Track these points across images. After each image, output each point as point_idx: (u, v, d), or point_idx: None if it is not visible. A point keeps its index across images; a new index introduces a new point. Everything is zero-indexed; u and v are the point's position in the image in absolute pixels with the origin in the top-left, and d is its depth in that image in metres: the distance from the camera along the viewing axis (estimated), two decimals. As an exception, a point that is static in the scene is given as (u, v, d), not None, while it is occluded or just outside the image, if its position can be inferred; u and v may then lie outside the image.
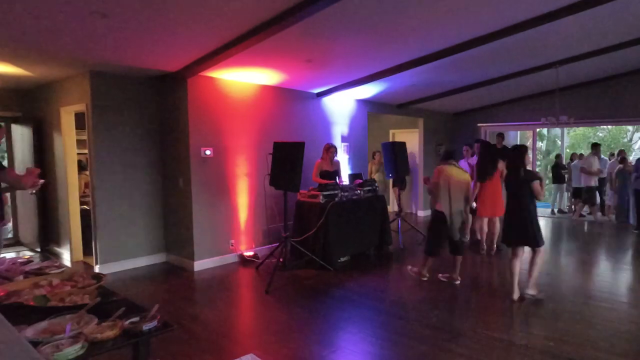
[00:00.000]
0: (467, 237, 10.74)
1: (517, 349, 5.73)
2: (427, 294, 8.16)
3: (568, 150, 22.17)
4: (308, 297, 7.95)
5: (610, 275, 9.32)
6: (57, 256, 10.49)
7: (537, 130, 19.25)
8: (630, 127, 30.07)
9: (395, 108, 15.47)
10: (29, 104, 11.20)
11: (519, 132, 19.89)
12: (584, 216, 16.35)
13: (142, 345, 3.41)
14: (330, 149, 10.44)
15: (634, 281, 8.70)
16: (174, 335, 5.51)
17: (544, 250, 7.73)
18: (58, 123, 10.14)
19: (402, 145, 12.36)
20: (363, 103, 13.85)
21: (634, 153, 29.69)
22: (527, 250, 7.59)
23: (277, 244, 9.59)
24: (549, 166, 20.15)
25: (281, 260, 9.09)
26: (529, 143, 18.67)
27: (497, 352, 5.65)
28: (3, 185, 5.54)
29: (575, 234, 13.90)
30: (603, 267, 10.00)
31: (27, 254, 10.69)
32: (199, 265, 9.50)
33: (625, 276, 9.06)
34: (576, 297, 7.76)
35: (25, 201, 11.24)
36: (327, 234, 9.47)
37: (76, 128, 10.20)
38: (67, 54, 7.80)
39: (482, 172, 10.28)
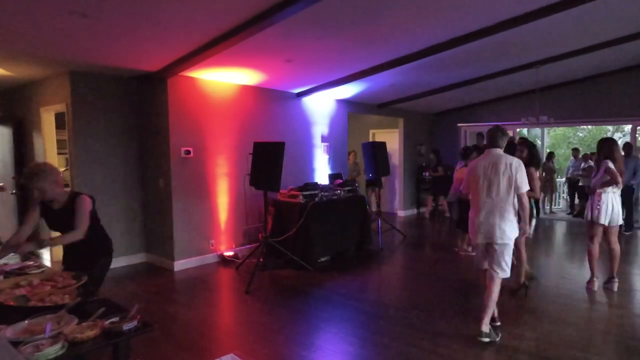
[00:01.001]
0: None
1: (497, 349, 5.76)
2: (408, 294, 8.22)
3: (548, 150, 22.22)
4: (288, 297, 7.97)
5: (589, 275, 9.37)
6: (37, 256, 10.46)
7: (518, 130, 19.33)
8: (610, 127, 30.22)
9: (376, 108, 15.54)
10: (9, 104, 11.14)
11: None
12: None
13: (122, 345, 3.43)
14: None
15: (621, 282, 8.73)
16: (154, 335, 5.51)
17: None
18: (38, 123, 10.11)
19: (382, 145, 12.40)
20: (343, 103, 13.90)
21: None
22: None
23: (257, 243, 9.62)
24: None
25: (261, 260, 9.11)
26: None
27: (477, 351, 5.69)
28: None
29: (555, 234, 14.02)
30: (581, 266, 10.06)
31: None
32: (179, 265, 9.52)
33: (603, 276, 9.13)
34: (558, 297, 7.81)
35: (5, 201, 11.17)
36: (307, 234, 9.52)
37: (56, 128, 10.17)
38: (46, 53, 7.81)
39: None
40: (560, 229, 14.68)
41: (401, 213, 17.17)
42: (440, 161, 16.35)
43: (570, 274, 9.39)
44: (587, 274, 8.34)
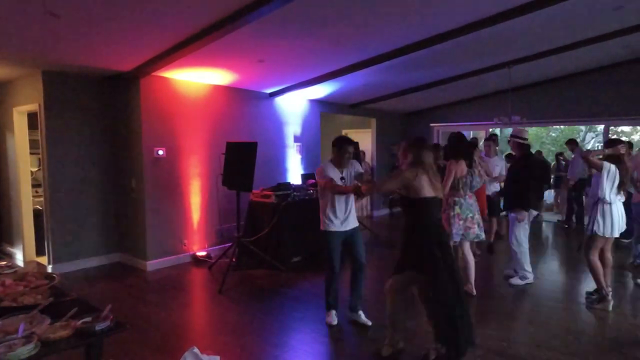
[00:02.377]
0: None
1: (474, 350, 5.77)
2: (380, 294, 8.26)
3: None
4: (261, 297, 8.02)
5: (564, 276, 9.51)
6: (10, 256, 10.43)
7: (490, 130, 19.44)
8: (582, 127, 30.43)
9: (348, 108, 15.61)
10: (-20, 104, 11.06)
11: (471, 132, 20.06)
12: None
13: (94, 345, 3.45)
14: None
15: (586, 281, 8.82)
16: (126, 335, 5.51)
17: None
18: (11, 123, 10.09)
19: (355, 145, 12.41)
20: (316, 103, 13.97)
21: (586, 153, 30.03)
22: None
23: (230, 244, 9.64)
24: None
25: (234, 260, 9.14)
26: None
27: None
28: None
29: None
30: (555, 267, 10.22)
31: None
32: (152, 265, 9.54)
33: (580, 276, 9.20)
34: (529, 297, 7.91)
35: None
36: (279, 233, 9.57)
37: (29, 128, 10.13)
38: (19, 54, 7.82)
39: None
40: (540, 231, 14.77)
41: (374, 213, 17.23)
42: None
43: (544, 274, 9.48)
44: (560, 274, 8.44)
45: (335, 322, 6.66)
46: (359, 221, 7.15)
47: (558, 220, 15.70)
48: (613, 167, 6.92)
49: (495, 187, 11.30)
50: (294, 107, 13.08)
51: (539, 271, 9.33)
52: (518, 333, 6.41)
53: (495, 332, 6.37)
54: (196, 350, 4.96)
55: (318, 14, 7.03)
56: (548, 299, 7.77)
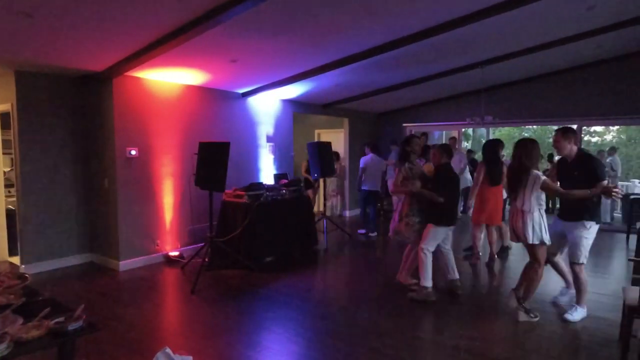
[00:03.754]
0: None
1: (444, 349, 5.88)
2: (353, 294, 8.33)
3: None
4: (233, 297, 8.01)
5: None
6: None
7: (463, 130, 19.56)
8: (555, 127, 30.57)
9: (321, 108, 15.67)
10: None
11: (444, 132, 20.16)
12: None
13: (67, 345, 3.48)
14: None
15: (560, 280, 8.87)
16: (99, 335, 5.52)
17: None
18: (-17, 123, 10.01)
19: (327, 145, 12.50)
20: (288, 103, 14.03)
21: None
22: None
23: (203, 244, 9.67)
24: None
25: (207, 260, 9.17)
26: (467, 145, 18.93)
27: (424, 352, 5.86)
28: None
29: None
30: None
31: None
32: (125, 265, 9.55)
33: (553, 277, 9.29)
34: (504, 297, 7.86)
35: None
36: (252, 233, 9.60)
37: (2, 128, 10.07)
38: (-10, 53, 7.79)
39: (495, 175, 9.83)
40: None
41: (347, 213, 17.30)
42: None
43: (515, 274, 9.57)
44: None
45: None
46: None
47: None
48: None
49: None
50: (266, 107, 13.12)
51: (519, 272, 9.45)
52: (491, 333, 6.46)
53: (468, 331, 6.42)
54: (168, 350, 4.99)
55: (290, 15, 7.09)
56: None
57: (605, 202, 14.62)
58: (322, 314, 7.16)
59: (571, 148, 6.59)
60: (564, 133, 6.60)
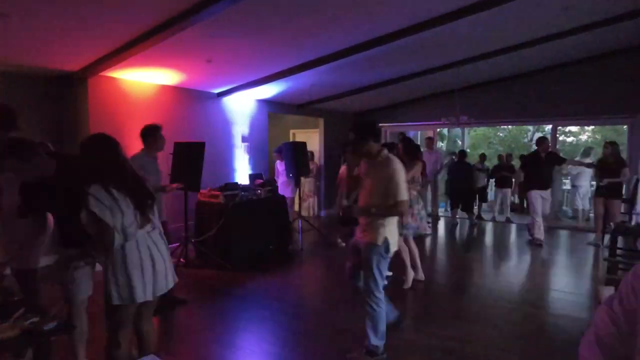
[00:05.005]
0: None
1: (420, 349, 5.93)
2: (328, 294, 8.40)
3: (469, 150, 22.53)
4: (209, 297, 8.09)
5: (515, 277, 9.65)
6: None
7: (438, 130, 19.69)
8: (530, 127, 30.67)
9: (296, 108, 15.76)
10: None
11: (419, 132, 20.26)
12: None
13: (42, 345, 3.54)
14: None
15: (537, 282, 9.04)
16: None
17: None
18: (-47, 124, 9.97)
19: (302, 145, 12.56)
20: (263, 103, 14.13)
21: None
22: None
23: (178, 244, 9.76)
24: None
25: (182, 260, 9.25)
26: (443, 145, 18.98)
27: (401, 352, 5.85)
28: None
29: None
30: (506, 268, 10.46)
31: None
32: (99, 265, 9.49)
33: (529, 277, 9.37)
34: (480, 297, 8.03)
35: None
36: (227, 234, 9.67)
37: (-25, 129, 10.07)
38: (-38, 53, 7.80)
39: None
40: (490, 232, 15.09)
41: (322, 213, 17.34)
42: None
43: (492, 274, 9.73)
44: (510, 276, 8.64)
45: None
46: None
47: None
48: None
49: None
50: (241, 107, 13.22)
51: (498, 274, 9.56)
52: (468, 333, 6.46)
53: (445, 331, 6.46)
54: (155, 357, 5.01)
55: (266, 15, 7.22)
56: (500, 299, 7.89)
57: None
58: (296, 314, 7.23)
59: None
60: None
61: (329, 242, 12.14)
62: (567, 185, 17.97)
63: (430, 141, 16.24)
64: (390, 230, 5.40)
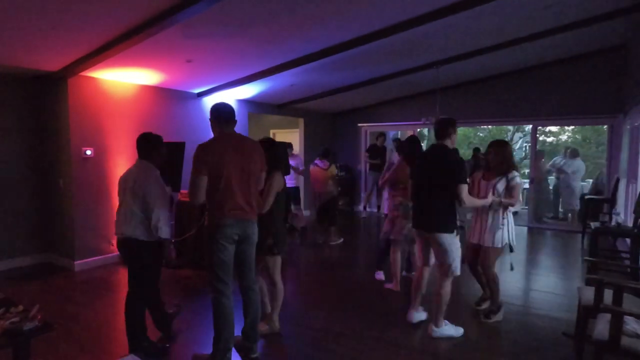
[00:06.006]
0: None
1: (399, 349, 5.96)
2: (306, 294, 8.46)
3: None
4: (188, 296, 8.13)
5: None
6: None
7: (418, 130, 19.78)
8: (510, 127, 30.80)
9: (276, 108, 15.85)
10: None
11: (399, 132, 20.33)
12: None
13: (22, 345, 3.60)
14: None
15: (516, 280, 9.11)
16: (55, 335, 5.64)
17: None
18: None
19: (284, 145, 12.58)
20: (244, 103, 14.23)
21: (514, 153, 30.46)
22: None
23: (158, 243, 9.75)
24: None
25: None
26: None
27: (380, 352, 5.88)
28: None
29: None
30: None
31: None
32: (80, 265, 9.68)
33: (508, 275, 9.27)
34: (458, 297, 7.90)
35: None
36: (207, 233, 9.65)
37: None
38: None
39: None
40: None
41: (306, 213, 17.26)
42: (335, 161, 16.39)
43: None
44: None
45: None
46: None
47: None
48: None
49: None
50: (222, 107, 13.10)
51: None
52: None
53: (424, 332, 6.50)
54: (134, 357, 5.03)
55: (246, 15, 7.28)
56: (477, 298, 7.81)
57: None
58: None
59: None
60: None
61: (310, 242, 12.24)
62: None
63: None
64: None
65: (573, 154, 16.13)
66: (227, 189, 5.18)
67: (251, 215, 5.46)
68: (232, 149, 5.29)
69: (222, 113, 5.44)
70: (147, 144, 5.92)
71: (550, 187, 17.40)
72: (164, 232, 5.55)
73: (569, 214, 16.10)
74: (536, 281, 9.27)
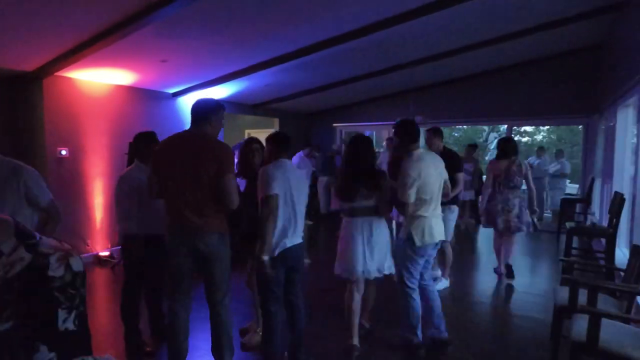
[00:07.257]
0: None
1: (377, 349, 6.03)
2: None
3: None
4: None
5: (471, 276, 9.86)
6: None
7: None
8: (485, 127, 31.02)
9: (250, 108, 15.93)
10: None
11: (374, 132, 20.40)
12: None
13: None
14: None
15: (491, 280, 9.21)
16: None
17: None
18: None
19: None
20: (219, 103, 14.09)
21: (489, 153, 30.76)
22: None
23: (134, 244, 9.79)
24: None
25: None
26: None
27: (364, 353, 5.87)
28: None
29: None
30: (464, 268, 10.38)
31: None
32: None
33: (485, 276, 9.53)
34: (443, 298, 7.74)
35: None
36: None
37: None
38: None
39: None
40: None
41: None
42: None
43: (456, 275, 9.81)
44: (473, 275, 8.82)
45: None
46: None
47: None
48: None
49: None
50: (197, 107, 13.13)
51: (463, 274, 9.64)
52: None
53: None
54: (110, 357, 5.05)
55: (220, 15, 7.44)
56: (456, 299, 7.99)
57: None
58: (249, 313, 7.14)
59: (438, 145, 7.46)
60: (435, 132, 7.81)
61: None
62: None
63: (390, 142, 16.37)
64: None
65: (558, 154, 16.36)
66: (167, 193, 4.89)
67: (201, 226, 4.92)
68: (175, 149, 4.90)
69: (191, 110, 5.05)
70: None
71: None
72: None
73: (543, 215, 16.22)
74: (513, 281, 9.16)
